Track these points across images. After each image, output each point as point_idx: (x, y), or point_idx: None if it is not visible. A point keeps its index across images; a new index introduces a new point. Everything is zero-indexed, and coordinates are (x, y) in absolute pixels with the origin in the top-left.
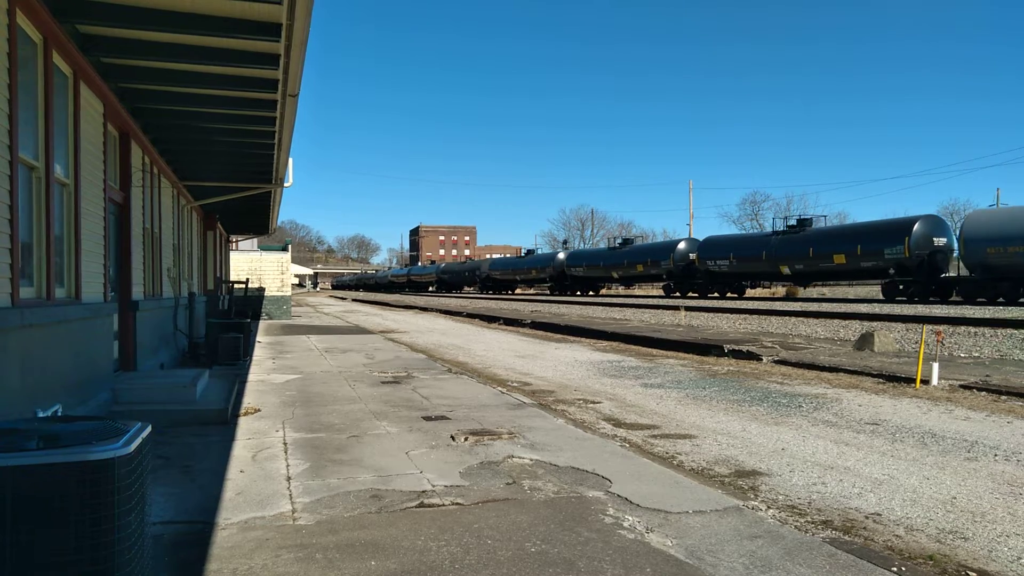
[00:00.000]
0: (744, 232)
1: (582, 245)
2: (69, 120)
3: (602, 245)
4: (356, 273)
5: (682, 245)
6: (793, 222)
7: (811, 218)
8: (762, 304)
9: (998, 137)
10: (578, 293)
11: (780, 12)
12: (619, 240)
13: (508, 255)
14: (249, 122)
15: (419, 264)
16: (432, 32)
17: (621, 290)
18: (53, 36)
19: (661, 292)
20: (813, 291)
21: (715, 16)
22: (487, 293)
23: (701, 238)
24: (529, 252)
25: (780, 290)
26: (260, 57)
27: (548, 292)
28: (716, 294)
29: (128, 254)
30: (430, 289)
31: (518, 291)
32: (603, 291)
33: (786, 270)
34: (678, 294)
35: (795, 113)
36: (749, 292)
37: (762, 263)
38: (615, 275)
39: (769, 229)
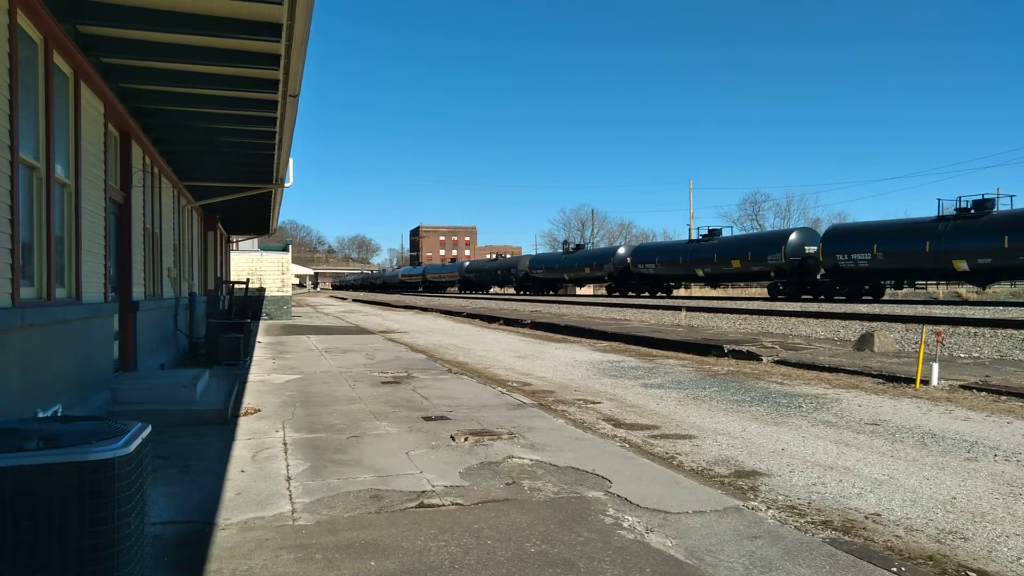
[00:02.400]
0: (890, 218)
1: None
2: (70, 120)
3: (681, 239)
4: (359, 272)
5: (795, 236)
6: (967, 204)
7: (992, 198)
8: (764, 305)
9: (998, 137)
10: (645, 294)
11: (780, 12)
12: (703, 231)
13: (509, 255)
14: (250, 122)
15: (428, 263)
16: (432, 32)
17: (705, 291)
18: (53, 36)
19: (763, 294)
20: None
21: (715, 16)
22: (524, 294)
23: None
24: (579, 247)
25: (940, 290)
26: (260, 57)
27: (605, 293)
28: (843, 296)
29: (128, 254)
30: (449, 290)
31: (563, 292)
32: (678, 292)
33: (962, 265)
34: (784, 296)
35: (795, 113)
36: (891, 294)
37: (924, 257)
38: (700, 273)
39: (926, 214)
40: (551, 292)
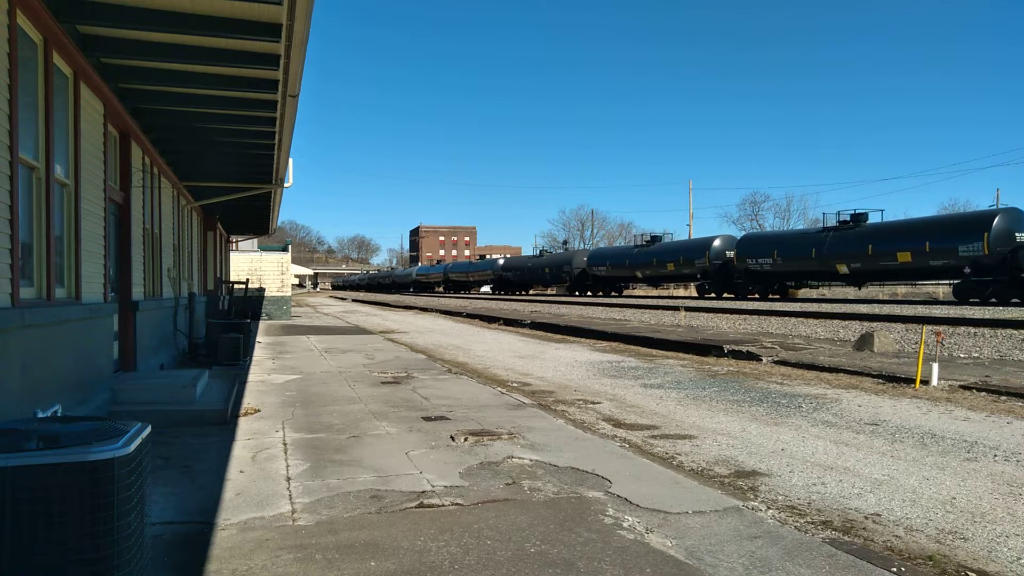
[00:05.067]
0: None
1: (582, 245)
2: (69, 120)
3: (800, 227)
4: (363, 272)
5: (1000, 220)
6: None
7: None
8: (764, 305)
9: (998, 137)
10: (754, 296)
11: (780, 13)
12: (843, 217)
13: (509, 255)
14: (249, 122)
15: (438, 261)
16: (432, 32)
17: (846, 291)
18: (53, 36)
19: (928, 294)
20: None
21: (715, 17)
22: (580, 295)
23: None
24: (655, 238)
25: None
26: (260, 57)
27: (697, 295)
28: None
29: (128, 254)
30: (480, 290)
31: (630, 292)
32: (798, 293)
33: None
34: (979, 299)
35: (795, 114)
36: None
37: None
38: (842, 270)
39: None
40: (614, 293)
